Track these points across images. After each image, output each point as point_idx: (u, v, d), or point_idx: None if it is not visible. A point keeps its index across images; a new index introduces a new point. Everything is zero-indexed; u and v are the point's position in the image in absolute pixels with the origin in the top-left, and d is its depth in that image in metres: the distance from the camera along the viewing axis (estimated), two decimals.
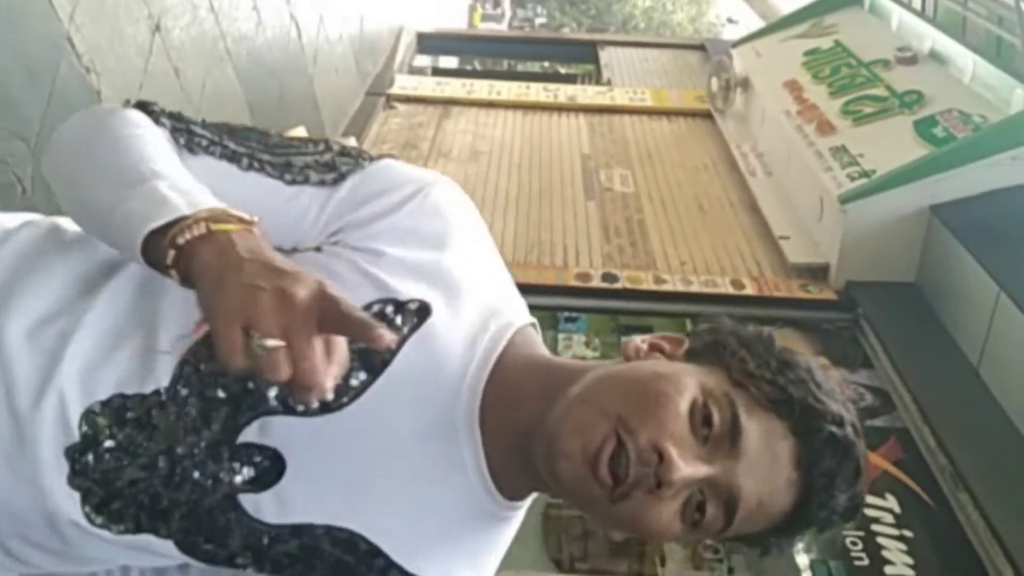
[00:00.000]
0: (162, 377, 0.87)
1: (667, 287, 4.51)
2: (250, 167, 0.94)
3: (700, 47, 8.69)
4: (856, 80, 5.31)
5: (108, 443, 0.87)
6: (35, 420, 0.85)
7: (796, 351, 0.95)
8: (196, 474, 0.87)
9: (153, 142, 0.90)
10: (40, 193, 2.64)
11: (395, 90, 7.04)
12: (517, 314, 0.99)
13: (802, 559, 3.58)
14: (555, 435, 0.86)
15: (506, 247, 4.84)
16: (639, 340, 0.96)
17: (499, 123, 6.65)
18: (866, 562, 3.12)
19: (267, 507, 0.88)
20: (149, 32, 3.45)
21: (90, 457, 0.87)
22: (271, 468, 0.88)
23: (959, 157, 4.20)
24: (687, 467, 0.83)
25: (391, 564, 0.92)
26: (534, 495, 0.99)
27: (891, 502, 3.31)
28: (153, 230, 0.78)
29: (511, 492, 0.94)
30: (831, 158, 4.65)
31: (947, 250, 4.07)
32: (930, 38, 5.27)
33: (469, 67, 12.65)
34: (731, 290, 4.50)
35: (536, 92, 7.14)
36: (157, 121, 0.93)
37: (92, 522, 0.88)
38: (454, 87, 7.24)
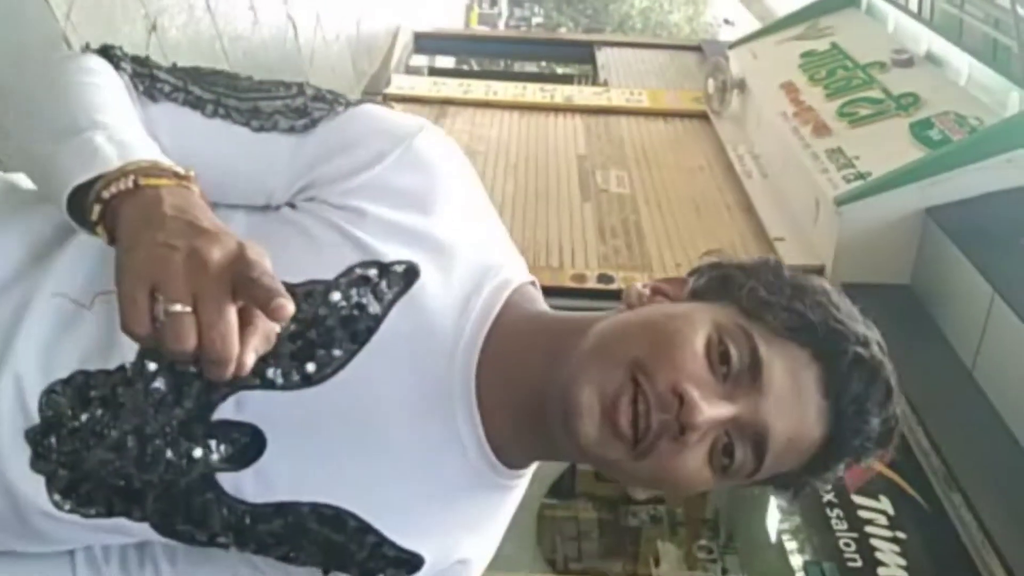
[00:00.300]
0: (127, 351, 0.80)
1: None
2: (215, 113, 0.86)
3: (697, 48, 8.71)
4: (852, 82, 5.33)
5: (71, 424, 0.80)
6: None
7: (809, 276, 0.88)
8: (169, 453, 0.80)
9: (105, 89, 0.83)
10: None
11: (392, 90, 7.04)
12: (514, 271, 0.91)
13: (796, 560, 3.60)
14: (569, 392, 0.79)
15: None
16: (640, 285, 0.90)
17: (496, 123, 6.65)
18: (859, 563, 3.13)
19: (247, 486, 0.82)
20: (145, 31, 3.45)
21: (53, 439, 0.80)
22: (250, 445, 0.82)
23: (955, 160, 4.22)
24: (710, 408, 0.77)
25: (383, 540, 0.86)
26: (536, 464, 0.92)
27: (884, 504, 3.32)
28: (81, 185, 0.72)
29: (513, 461, 0.88)
30: (827, 160, 4.66)
31: (942, 252, 4.08)
32: (926, 40, 5.29)
33: (466, 67, 12.65)
34: None
35: (533, 93, 7.15)
36: (118, 66, 0.86)
37: (60, 507, 0.82)
38: (451, 87, 7.25)
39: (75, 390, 0.80)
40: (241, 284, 0.64)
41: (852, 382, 0.80)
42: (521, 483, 0.92)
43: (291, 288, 0.77)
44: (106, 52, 0.88)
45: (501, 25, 22.25)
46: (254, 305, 0.64)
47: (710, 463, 0.80)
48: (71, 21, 2.89)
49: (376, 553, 0.87)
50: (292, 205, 0.87)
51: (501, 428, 0.85)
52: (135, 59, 0.88)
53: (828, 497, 3.35)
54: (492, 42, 11.24)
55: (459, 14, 17.28)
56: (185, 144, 0.79)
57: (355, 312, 0.82)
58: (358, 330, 0.82)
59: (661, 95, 7.24)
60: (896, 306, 4.20)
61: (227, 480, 0.82)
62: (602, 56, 8.62)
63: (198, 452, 0.81)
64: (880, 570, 3.12)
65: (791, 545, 3.75)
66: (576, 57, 9.88)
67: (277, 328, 0.67)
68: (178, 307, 0.63)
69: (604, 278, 4.58)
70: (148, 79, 0.87)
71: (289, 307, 0.63)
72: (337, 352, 0.81)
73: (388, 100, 6.89)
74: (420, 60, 9.60)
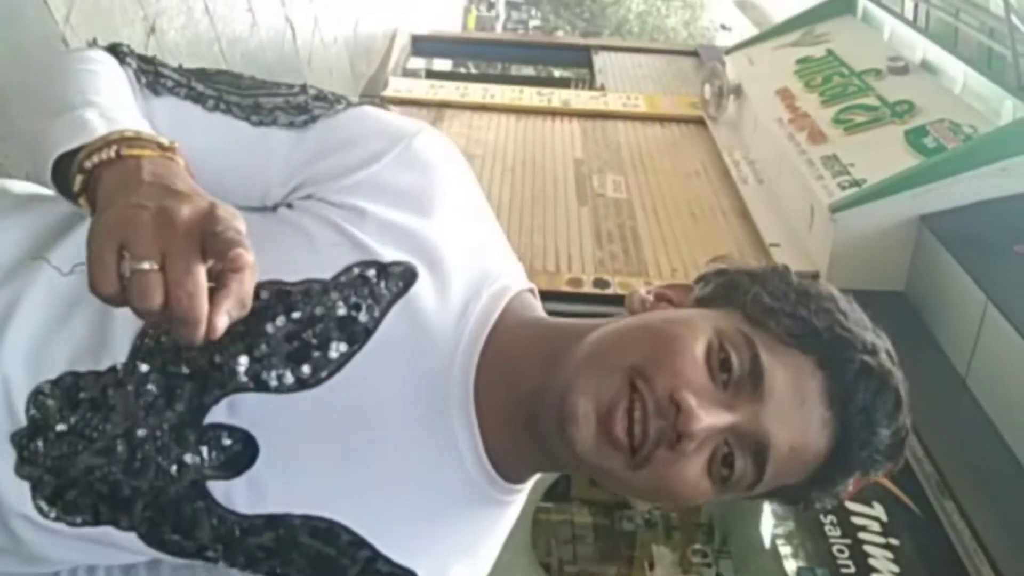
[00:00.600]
0: (119, 352, 0.79)
1: None
2: (216, 108, 0.86)
3: (694, 53, 8.72)
4: (848, 89, 5.34)
5: (59, 427, 0.78)
6: None
7: (816, 282, 0.87)
8: (159, 459, 0.78)
9: (103, 76, 0.83)
10: None
11: (389, 92, 7.04)
12: (513, 279, 0.90)
13: (790, 565, 3.61)
14: (565, 399, 0.77)
15: None
16: (643, 291, 0.88)
17: (493, 127, 6.65)
18: (852, 570, 3.14)
19: (239, 495, 0.80)
20: (144, 34, 3.46)
21: (40, 443, 0.78)
22: (242, 452, 0.79)
23: (949, 167, 4.22)
24: (708, 416, 0.75)
25: (377, 555, 0.84)
26: (537, 476, 0.90)
27: (878, 510, 3.32)
28: (66, 155, 0.72)
29: (511, 474, 0.86)
30: (822, 167, 4.67)
31: (936, 260, 4.09)
32: (922, 48, 5.30)
33: (463, 69, 12.65)
34: None
35: (530, 96, 7.15)
36: (123, 61, 0.87)
37: (45, 515, 0.80)
38: (448, 90, 7.25)
39: (64, 391, 0.79)
40: (206, 240, 0.63)
41: (858, 391, 0.78)
42: (518, 500, 0.90)
43: (288, 287, 0.79)
44: (112, 49, 0.88)
45: (498, 28, 22.23)
46: (217, 260, 0.63)
47: (709, 473, 0.78)
48: (70, 23, 2.90)
49: (369, 568, 0.85)
50: (289, 205, 0.86)
51: (499, 436, 0.83)
52: (141, 57, 0.89)
53: None
54: (489, 45, 11.24)
55: (456, 17, 17.28)
56: (185, 137, 0.78)
57: (352, 313, 0.80)
58: (355, 331, 0.80)
59: (658, 100, 7.25)
60: (890, 313, 4.16)
61: (218, 489, 0.80)
62: (599, 60, 8.63)
63: (189, 458, 0.79)
64: None
65: (785, 550, 3.76)
66: (573, 61, 9.91)
67: (251, 292, 0.65)
68: (145, 264, 0.61)
69: (600, 283, 4.59)
70: (152, 74, 0.87)
71: (247, 256, 0.62)
72: (333, 354, 0.80)
73: (385, 102, 6.89)
74: (417, 63, 9.60)
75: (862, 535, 3.25)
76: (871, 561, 3.17)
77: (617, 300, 4.48)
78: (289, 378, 0.79)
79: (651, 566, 4.95)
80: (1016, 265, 3.80)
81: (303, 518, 0.81)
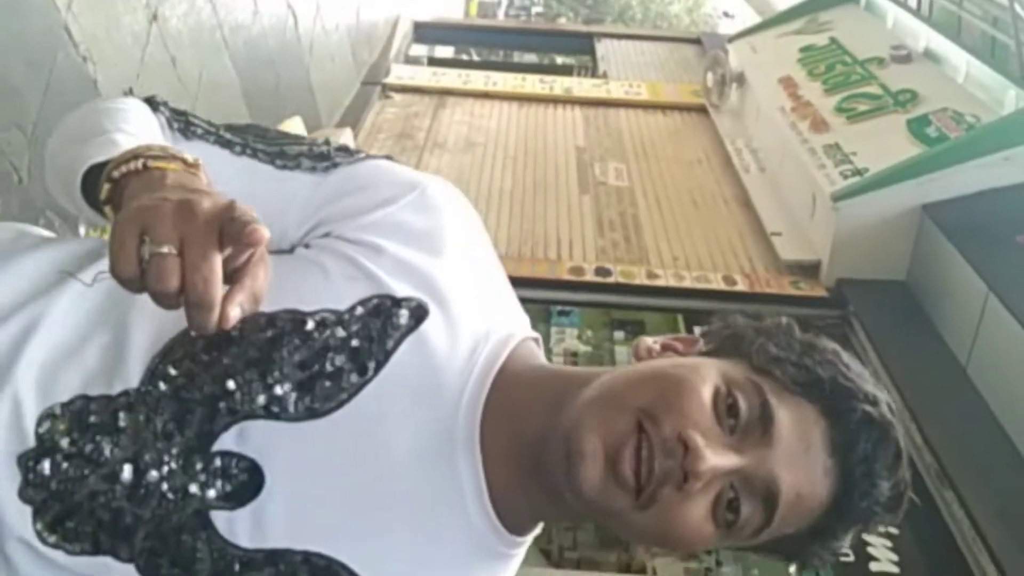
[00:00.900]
0: (131, 378, 0.80)
1: (660, 282, 4.53)
2: (242, 152, 0.91)
3: (696, 41, 8.70)
4: (851, 78, 5.33)
5: (67, 450, 0.79)
6: None
7: (819, 335, 0.89)
8: (164, 486, 0.79)
9: (133, 111, 0.87)
10: (37, 182, 2.65)
11: (391, 80, 7.04)
12: (518, 326, 0.93)
13: None
14: (571, 436, 0.78)
15: (500, 240, 4.85)
16: (651, 341, 0.91)
17: (495, 114, 6.65)
18: (851, 558, 3.15)
19: (242, 527, 0.80)
20: (146, 21, 3.46)
21: (46, 465, 0.79)
22: (248, 482, 0.80)
23: (951, 157, 4.22)
24: (714, 456, 0.76)
25: None
26: (537, 531, 0.90)
27: None
28: (95, 170, 0.75)
29: (513, 522, 0.86)
30: (824, 156, 4.67)
31: (938, 249, 4.10)
32: (925, 37, 5.29)
33: (465, 56, 12.62)
34: (723, 286, 4.52)
35: (532, 84, 7.15)
36: (156, 109, 0.92)
37: (44, 541, 0.79)
38: (450, 77, 7.24)
39: (74, 414, 0.79)
40: (224, 226, 0.66)
41: (860, 441, 0.80)
42: (518, 554, 0.90)
43: (303, 316, 0.81)
44: (146, 99, 0.93)
45: (501, 15, 22.15)
46: (234, 243, 0.66)
47: (714, 517, 0.79)
48: (72, 11, 2.90)
49: None
50: (306, 245, 0.89)
51: (503, 480, 0.84)
52: (173, 108, 0.94)
53: None
54: (491, 32, 11.22)
55: (459, 3, 17.23)
56: (213, 178, 0.80)
57: (365, 345, 0.82)
58: (367, 363, 0.82)
59: (660, 88, 7.24)
60: (891, 302, 4.22)
61: (221, 520, 0.80)
62: (601, 47, 8.61)
63: (194, 488, 0.79)
64: (872, 565, 3.15)
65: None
66: (575, 48, 9.87)
67: (264, 288, 0.68)
68: (164, 248, 0.64)
69: (602, 271, 4.59)
70: (183, 121, 0.92)
71: (263, 231, 0.65)
72: (344, 384, 0.81)
73: (387, 90, 6.89)
74: (420, 49, 9.57)
75: None
76: (870, 550, 3.18)
77: (619, 289, 4.49)
78: (300, 406, 0.80)
79: (652, 554, 4.97)
80: (1018, 255, 3.80)
81: (303, 554, 0.81)
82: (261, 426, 0.80)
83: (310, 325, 0.81)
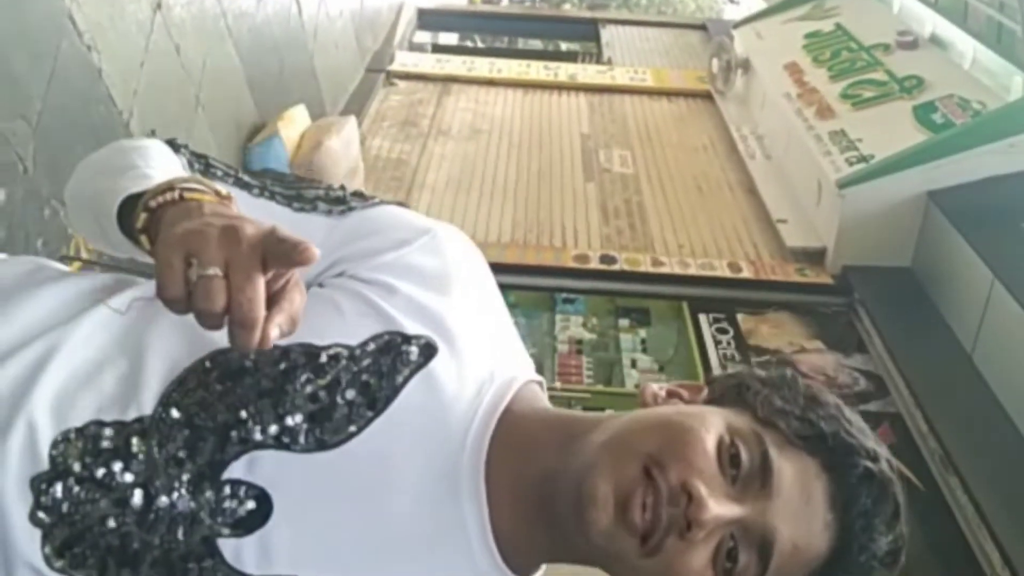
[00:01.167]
0: (146, 404, 0.82)
1: (665, 269, 4.53)
2: (261, 195, 0.94)
3: (702, 27, 8.68)
4: (856, 64, 5.32)
5: (79, 473, 0.80)
6: (0, 449, 0.80)
7: (823, 389, 0.90)
8: (174, 512, 0.80)
9: (158, 151, 0.91)
10: (42, 172, 2.66)
11: (395, 67, 7.04)
12: (523, 369, 0.95)
13: None
14: (585, 481, 0.80)
15: (504, 227, 4.85)
16: (656, 387, 0.93)
17: (499, 101, 6.64)
18: None
19: (249, 554, 0.81)
20: (150, 9, 3.45)
21: (58, 488, 0.80)
22: (257, 510, 0.81)
23: (957, 143, 4.22)
24: (717, 506, 0.78)
25: None
26: (540, 573, 0.91)
27: None
28: (132, 199, 0.79)
29: (517, 562, 0.87)
30: (830, 142, 4.66)
31: (943, 236, 4.09)
32: (931, 23, 5.28)
33: (470, 43, 12.59)
34: (728, 273, 4.52)
35: (536, 71, 7.14)
36: (177, 151, 0.95)
37: (51, 565, 0.80)
38: (454, 64, 7.24)
39: (88, 439, 0.81)
40: (269, 248, 0.69)
41: (861, 496, 0.81)
42: None
43: (317, 349, 0.84)
44: (167, 142, 0.96)
45: (505, 1, 22.09)
46: (282, 264, 0.69)
47: (713, 566, 0.80)
48: (76, 0, 2.90)
49: None
50: (321, 284, 0.92)
51: (507, 519, 0.85)
52: (193, 151, 0.97)
53: None
54: (496, 18, 11.18)
55: None
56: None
57: (375, 380, 0.84)
58: (376, 398, 0.84)
59: (665, 74, 7.23)
60: (897, 289, 4.22)
61: (228, 547, 0.81)
62: (606, 33, 8.59)
63: (203, 514, 0.80)
64: None
65: None
66: (580, 34, 9.85)
67: (300, 311, 0.72)
68: (211, 270, 0.67)
69: (607, 259, 4.59)
70: (203, 163, 0.96)
71: (314, 249, 0.68)
72: (354, 418, 0.83)
73: (391, 77, 6.88)
74: (424, 36, 9.56)
75: None
76: None
77: (624, 276, 4.49)
78: (310, 438, 0.82)
79: None
80: (1023, 242, 3.79)
81: None
82: (271, 456, 0.82)
83: (323, 359, 0.84)
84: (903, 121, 4.56)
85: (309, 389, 0.83)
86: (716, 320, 4.27)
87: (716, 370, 3.94)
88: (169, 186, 0.77)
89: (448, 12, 10.38)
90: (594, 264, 4.56)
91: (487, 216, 4.96)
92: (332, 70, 5.99)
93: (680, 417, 0.84)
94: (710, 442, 0.81)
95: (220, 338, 0.70)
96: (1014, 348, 3.52)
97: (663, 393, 0.93)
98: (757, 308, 4.35)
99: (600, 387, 3.97)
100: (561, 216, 5.03)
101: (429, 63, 7.32)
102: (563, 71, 7.17)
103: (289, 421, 0.82)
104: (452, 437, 0.85)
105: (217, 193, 0.78)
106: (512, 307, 4.44)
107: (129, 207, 0.80)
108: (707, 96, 6.71)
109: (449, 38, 12.09)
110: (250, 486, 0.81)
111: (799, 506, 0.81)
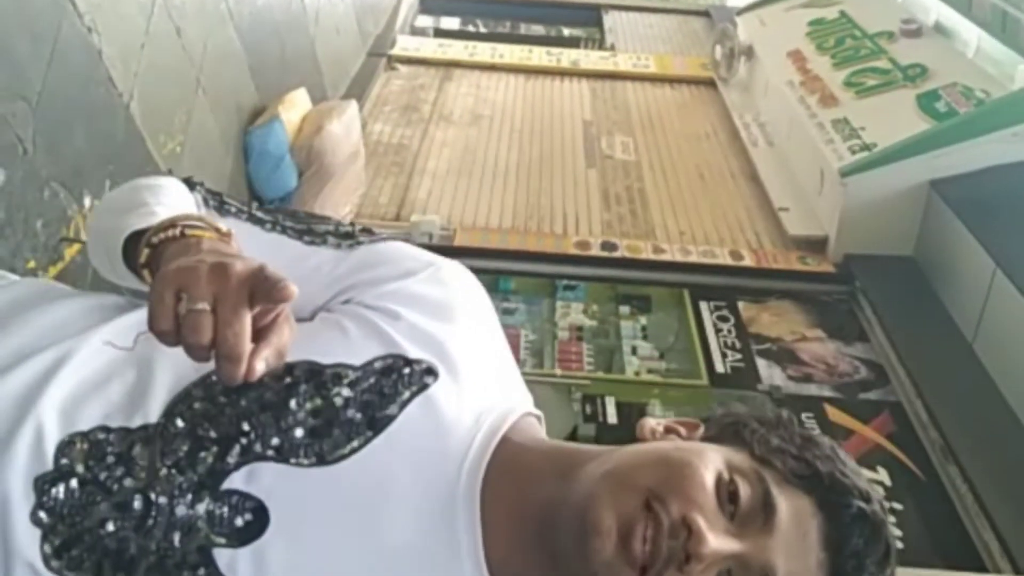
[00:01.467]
0: (151, 413, 0.84)
1: (666, 257, 4.53)
2: (272, 229, 0.99)
3: (705, 14, 8.63)
4: (860, 52, 5.30)
5: (82, 475, 0.82)
6: (8, 448, 0.82)
7: (818, 432, 0.93)
8: (172, 519, 0.82)
9: (171, 189, 0.96)
10: (41, 153, 2.64)
11: (397, 51, 7.01)
12: (522, 400, 0.97)
13: None
14: (588, 511, 0.81)
15: (505, 213, 4.84)
16: (654, 422, 0.95)
17: (501, 87, 6.62)
18: None
19: (243, 566, 0.82)
20: None
21: (60, 489, 0.82)
22: (253, 522, 0.82)
23: (960, 132, 4.20)
24: (716, 540, 0.79)
25: None
26: None
27: (882, 475, 3.34)
28: (137, 235, 0.83)
29: None
30: (833, 130, 4.65)
31: (946, 225, 4.08)
32: (935, 11, 5.25)
33: (472, 28, 12.55)
34: (729, 261, 4.52)
35: (539, 56, 7.11)
36: (192, 188, 1.00)
37: (48, 565, 0.81)
38: (456, 49, 7.21)
39: (92, 444, 0.84)
40: (256, 285, 0.72)
41: (853, 536, 0.83)
42: None
43: (321, 367, 0.87)
44: (184, 181, 1.02)
45: None
46: (265, 300, 0.73)
47: None
48: None
49: None
50: (328, 310, 0.96)
51: (501, 546, 0.86)
52: (208, 189, 1.02)
53: None
54: (498, 3, 11.14)
55: None
56: (244, 252, 0.84)
57: (376, 400, 0.87)
58: (377, 417, 0.86)
59: (668, 61, 7.20)
60: (899, 278, 4.22)
61: (223, 557, 0.82)
62: (609, 19, 8.55)
63: (201, 522, 0.82)
64: None
65: None
66: (583, 20, 9.79)
67: (288, 345, 0.76)
68: (199, 305, 0.71)
69: (608, 245, 4.58)
70: (218, 200, 1.01)
71: (292, 287, 0.72)
72: (354, 435, 0.85)
73: (393, 61, 6.85)
74: (425, 20, 9.52)
75: None
76: None
77: (625, 263, 4.48)
78: (310, 452, 0.84)
79: None
80: None
81: None
82: (271, 468, 0.84)
83: (326, 376, 0.87)
84: (906, 109, 4.54)
85: (311, 405, 0.85)
86: (717, 308, 4.27)
87: (716, 358, 3.95)
88: (171, 223, 0.82)
89: None
90: (595, 251, 4.55)
91: (488, 202, 4.94)
92: (333, 54, 5.97)
93: (679, 453, 0.86)
94: (709, 478, 0.83)
95: None
96: (1015, 338, 3.52)
97: (661, 428, 0.94)
98: (758, 296, 4.35)
99: (600, 374, 3.96)
100: (562, 202, 5.02)
101: (431, 48, 7.30)
102: (566, 57, 7.14)
103: (290, 435, 0.84)
104: (450, 461, 0.87)
105: (217, 230, 0.82)
106: (513, 293, 4.46)
107: (135, 244, 0.84)
108: (710, 83, 6.69)
109: (451, 23, 12.03)
110: (248, 497, 0.83)
111: (796, 543, 0.83)
